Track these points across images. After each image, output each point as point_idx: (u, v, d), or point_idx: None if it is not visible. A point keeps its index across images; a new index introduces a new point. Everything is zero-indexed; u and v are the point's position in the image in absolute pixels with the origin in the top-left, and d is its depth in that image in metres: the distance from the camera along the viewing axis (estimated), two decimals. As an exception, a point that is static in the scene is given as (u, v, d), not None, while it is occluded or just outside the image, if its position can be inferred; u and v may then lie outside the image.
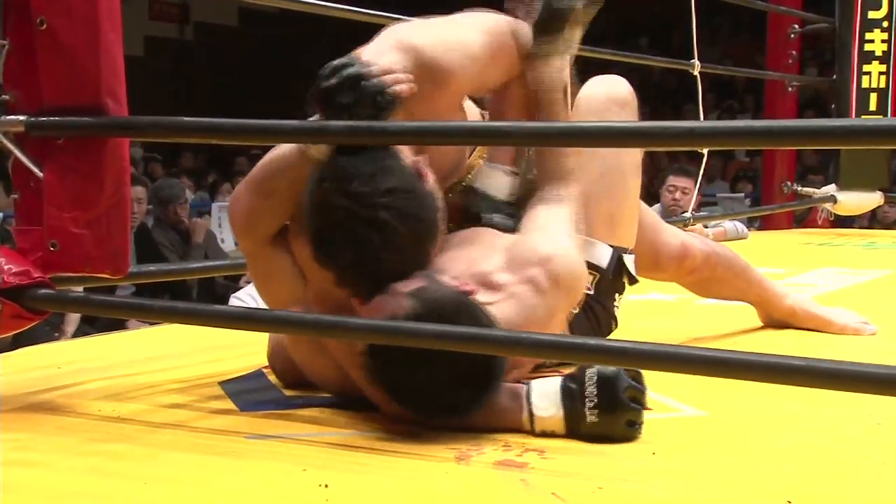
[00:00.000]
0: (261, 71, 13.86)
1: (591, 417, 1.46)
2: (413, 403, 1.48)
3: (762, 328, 2.39)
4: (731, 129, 1.44)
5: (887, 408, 1.51)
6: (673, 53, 4.02)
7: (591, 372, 1.46)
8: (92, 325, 4.31)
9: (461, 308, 1.44)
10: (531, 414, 1.49)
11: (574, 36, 1.76)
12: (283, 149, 1.62)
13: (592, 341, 1.49)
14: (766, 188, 5.34)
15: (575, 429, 1.47)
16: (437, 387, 1.44)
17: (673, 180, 4.69)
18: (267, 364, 1.97)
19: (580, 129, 1.51)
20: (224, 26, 14.69)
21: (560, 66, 1.75)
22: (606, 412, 1.46)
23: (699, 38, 4.05)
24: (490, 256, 1.62)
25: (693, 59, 4.08)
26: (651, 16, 12.72)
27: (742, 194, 7.90)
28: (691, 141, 1.52)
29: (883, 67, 4.68)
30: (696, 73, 4.10)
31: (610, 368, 1.46)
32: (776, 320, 2.39)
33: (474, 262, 1.62)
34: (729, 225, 4.61)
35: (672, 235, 2.18)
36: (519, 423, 1.50)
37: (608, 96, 1.92)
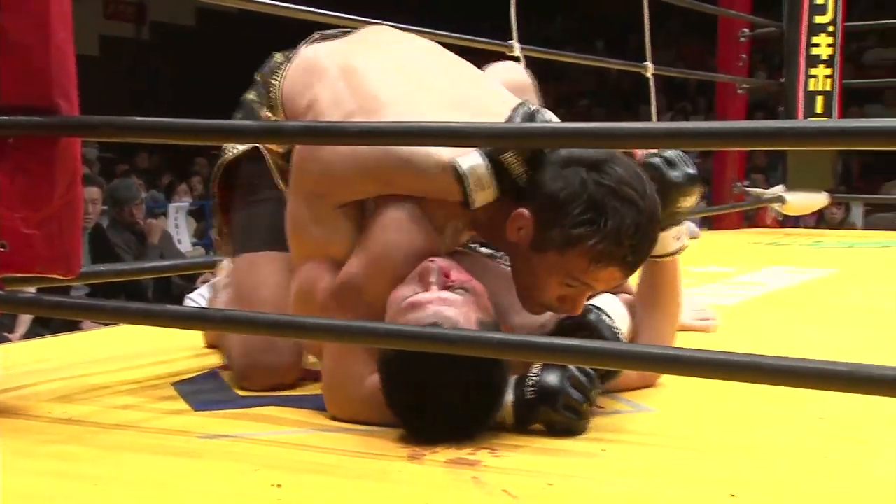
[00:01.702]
0: (218, 71, 13.77)
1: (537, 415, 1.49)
2: (419, 426, 1.48)
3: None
4: (682, 130, 1.45)
5: (829, 403, 1.53)
6: (629, 56, 4.05)
7: (532, 389, 1.48)
8: (45, 326, 4.25)
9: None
10: None
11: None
12: (423, 153, 1.55)
13: (543, 340, 1.49)
14: (716, 189, 5.39)
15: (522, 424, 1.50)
16: (444, 409, 1.44)
17: None
18: (221, 364, 1.96)
19: (545, 130, 1.50)
20: (181, 26, 14.57)
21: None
22: (547, 423, 1.49)
23: (653, 41, 4.09)
24: None
25: (646, 61, 4.12)
26: (607, 19, 12.81)
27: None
28: (645, 142, 1.52)
29: (829, 71, 4.74)
30: (649, 75, 4.14)
31: (553, 379, 1.47)
32: None
33: None
34: (681, 225, 4.64)
35: None
36: None
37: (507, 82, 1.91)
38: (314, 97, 1.71)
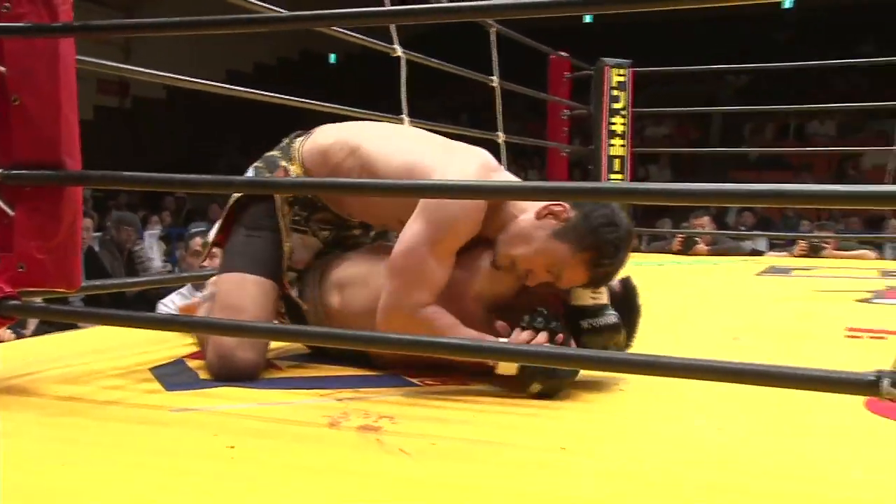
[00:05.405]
0: (183, 133, 13.45)
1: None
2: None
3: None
4: (528, 187, 1.44)
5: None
6: (486, 127, 4.12)
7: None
8: (50, 325, 4.05)
9: None
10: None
11: None
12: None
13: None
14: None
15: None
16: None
17: None
18: (188, 354, 1.90)
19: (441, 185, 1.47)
20: (155, 99, 14.21)
21: None
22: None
23: (505, 117, 4.15)
24: None
25: (498, 131, 4.18)
26: (470, 98, 12.94)
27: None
28: (496, 194, 1.53)
29: (623, 141, 4.91)
30: (500, 141, 4.20)
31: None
32: None
33: None
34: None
35: None
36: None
37: None
38: (354, 147, 1.70)
